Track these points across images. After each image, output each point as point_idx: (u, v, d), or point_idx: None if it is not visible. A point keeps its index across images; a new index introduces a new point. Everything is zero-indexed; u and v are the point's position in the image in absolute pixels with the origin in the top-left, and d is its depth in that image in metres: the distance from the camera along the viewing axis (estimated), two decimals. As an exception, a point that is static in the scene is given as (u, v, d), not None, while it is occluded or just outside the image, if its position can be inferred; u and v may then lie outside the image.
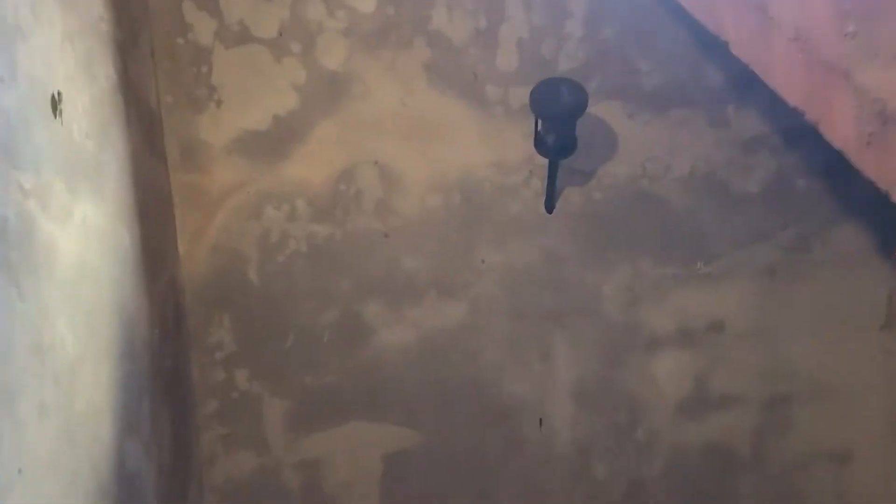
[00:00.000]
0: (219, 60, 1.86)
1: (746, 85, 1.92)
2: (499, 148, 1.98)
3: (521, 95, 1.92)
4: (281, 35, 1.87)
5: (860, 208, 2.04)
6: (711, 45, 1.73)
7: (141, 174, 1.60)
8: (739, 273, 2.12)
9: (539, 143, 1.88)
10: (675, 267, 2.10)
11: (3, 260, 0.94)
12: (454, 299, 2.04)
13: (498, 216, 2.02)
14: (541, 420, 2.12)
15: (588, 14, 1.91)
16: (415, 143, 1.95)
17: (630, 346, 2.15)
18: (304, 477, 2.06)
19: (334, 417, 2.05)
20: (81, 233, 1.22)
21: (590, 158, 1.99)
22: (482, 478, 2.13)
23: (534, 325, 2.07)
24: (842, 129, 1.06)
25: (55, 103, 1.17)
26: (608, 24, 1.92)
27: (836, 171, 1.99)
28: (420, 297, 2.03)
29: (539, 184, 2.00)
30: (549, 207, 2.02)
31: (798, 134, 1.99)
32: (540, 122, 1.84)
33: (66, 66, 1.23)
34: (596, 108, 1.92)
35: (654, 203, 2.05)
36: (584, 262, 2.06)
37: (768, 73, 1.29)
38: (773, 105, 1.91)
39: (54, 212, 1.11)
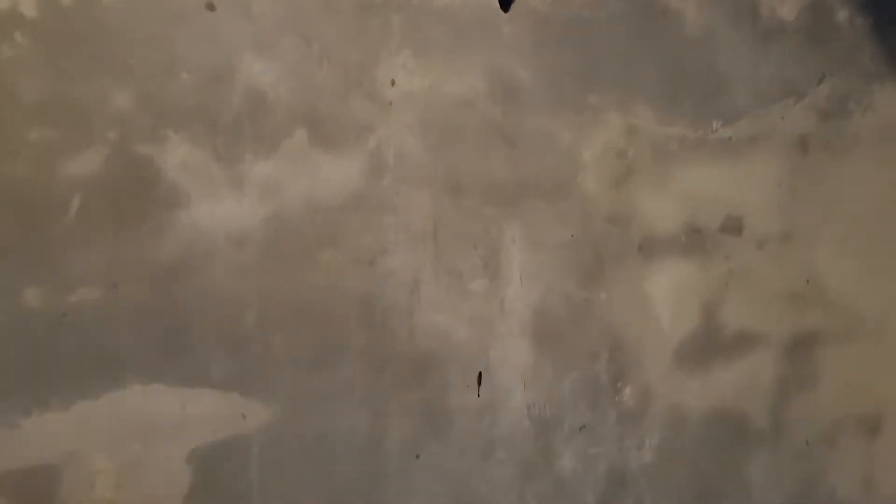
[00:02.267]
0: None
1: None
2: None
3: None
4: None
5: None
6: None
7: None
8: (765, 143, 1.52)
9: None
10: (683, 125, 1.45)
11: None
12: (339, 151, 1.18)
13: (418, 6, 1.22)
14: (480, 376, 1.30)
15: None
16: None
17: (618, 250, 1.41)
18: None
19: (83, 381, 1.06)
20: None
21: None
22: (376, 482, 1.25)
23: (472, 206, 1.29)
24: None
25: None
26: None
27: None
28: (276, 139, 1.15)
29: (490, -47, 1.26)
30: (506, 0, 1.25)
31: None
32: None
33: None
34: None
35: (659, 15, 1.41)
36: (554, 100, 1.33)
37: None
38: None
39: None
